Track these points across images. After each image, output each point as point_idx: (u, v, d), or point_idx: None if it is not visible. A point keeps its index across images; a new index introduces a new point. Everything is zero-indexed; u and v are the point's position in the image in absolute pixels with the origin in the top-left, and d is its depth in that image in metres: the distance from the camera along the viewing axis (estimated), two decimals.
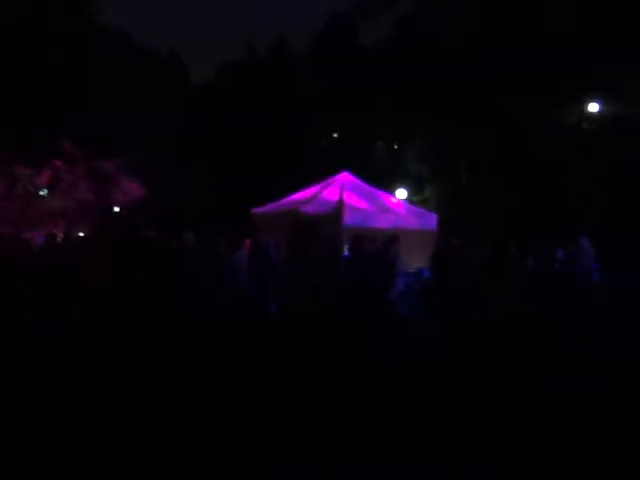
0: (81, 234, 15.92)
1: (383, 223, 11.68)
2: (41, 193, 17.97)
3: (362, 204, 12.31)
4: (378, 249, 8.43)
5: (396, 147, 26.94)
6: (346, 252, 9.62)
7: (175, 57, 33.90)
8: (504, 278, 7.63)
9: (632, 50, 18.09)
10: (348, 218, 11.36)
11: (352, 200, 12.15)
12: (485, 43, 21.90)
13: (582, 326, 8.12)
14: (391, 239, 8.68)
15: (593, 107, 20.35)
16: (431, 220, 13.34)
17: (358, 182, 13.49)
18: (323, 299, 7.71)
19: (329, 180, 13.44)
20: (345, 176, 13.38)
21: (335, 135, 29.67)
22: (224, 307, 8.59)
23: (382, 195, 13.72)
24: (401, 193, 20.88)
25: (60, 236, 12.84)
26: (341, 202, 11.66)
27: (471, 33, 22.49)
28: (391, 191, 18.86)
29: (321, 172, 15.66)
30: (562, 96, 20.41)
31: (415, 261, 11.29)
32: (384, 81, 24.98)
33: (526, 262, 10.33)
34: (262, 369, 6.62)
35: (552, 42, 20.21)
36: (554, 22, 20.51)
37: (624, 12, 18.91)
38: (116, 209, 23.66)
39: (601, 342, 7.76)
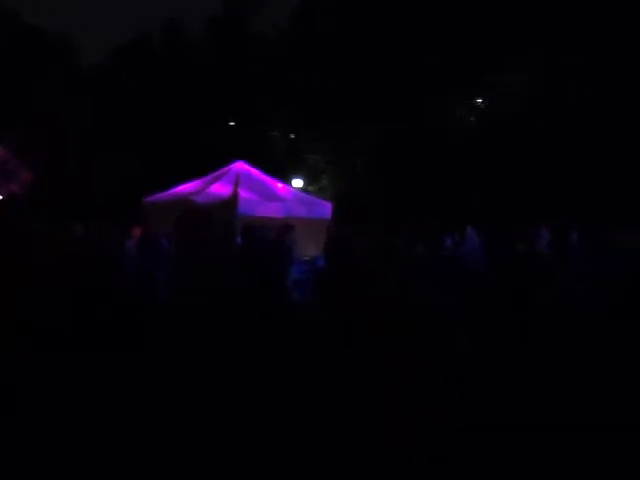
0: None
1: (278, 212, 11.70)
2: None
3: (257, 193, 12.26)
4: (273, 238, 8.43)
5: (292, 137, 26.98)
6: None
7: (65, 37, 32.23)
8: (393, 265, 7.84)
9: (513, 51, 19.20)
10: (243, 207, 11.28)
11: (247, 189, 12.06)
12: (379, 40, 22.34)
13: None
14: (286, 228, 8.73)
15: (479, 101, 21.45)
16: (326, 209, 13.49)
17: (253, 171, 13.40)
18: (217, 288, 7.61)
19: (224, 169, 13.28)
20: (240, 165, 13.26)
21: (232, 124, 29.31)
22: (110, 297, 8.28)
23: (277, 185, 13.71)
24: (297, 183, 20.97)
25: None
26: (235, 191, 11.54)
27: (366, 30, 22.85)
28: (287, 181, 18.90)
29: (217, 161, 15.44)
30: (451, 90, 21.22)
31: (310, 250, 11.39)
32: (278, 70, 24.96)
33: (417, 249, 10.63)
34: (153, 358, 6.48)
35: (442, 41, 20.95)
36: (442, 22, 21.26)
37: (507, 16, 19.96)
38: None
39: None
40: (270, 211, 11.64)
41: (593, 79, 18.13)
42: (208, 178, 13.13)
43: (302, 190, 17.88)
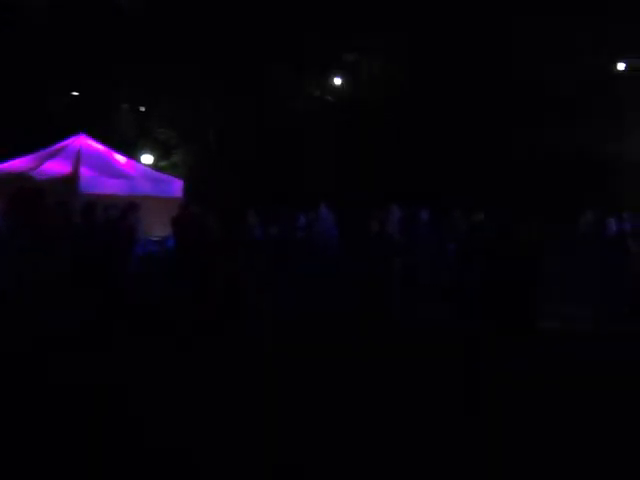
0: None
1: (123, 190, 11.17)
2: None
3: (100, 170, 11.57)
4: (115, 216, 8.03)
5: (143, 110, 25.82)
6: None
7: None
8: (240, 245, 7.81)
9: (364, 34, 19.61)
10: (84, 185, 10.64)
11: (89, 165, 11.38)
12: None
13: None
14: (130, 206, 8.40)
15: (336, 81, 21.83)
16: (176, 187, 13.07)
17: (96, 146, 12.62)
18: (53, 269, 7.18)
19: (63, 143, 12.39)
20: (81, 139, 12.42)
21: (75, 94, 27.47)
22: None
23: (123, 161, 13.03)
24: (147, 159, 20.13)
25: None
26: (76, 167, 10.87)
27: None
28: (136, 157, 18.09)
29: (56, 134, 14.40)
30: (308, 70, 21.34)
31: (160, 229, 11.05)
32: (128, 38, 23.73)
33: (269, 230, 10.58)
34: None
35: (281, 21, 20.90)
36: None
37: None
38: None
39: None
40: (114, 189, 11.06)
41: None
42: (46, 152, 12.19)
43: (152, 167, 17.18)
